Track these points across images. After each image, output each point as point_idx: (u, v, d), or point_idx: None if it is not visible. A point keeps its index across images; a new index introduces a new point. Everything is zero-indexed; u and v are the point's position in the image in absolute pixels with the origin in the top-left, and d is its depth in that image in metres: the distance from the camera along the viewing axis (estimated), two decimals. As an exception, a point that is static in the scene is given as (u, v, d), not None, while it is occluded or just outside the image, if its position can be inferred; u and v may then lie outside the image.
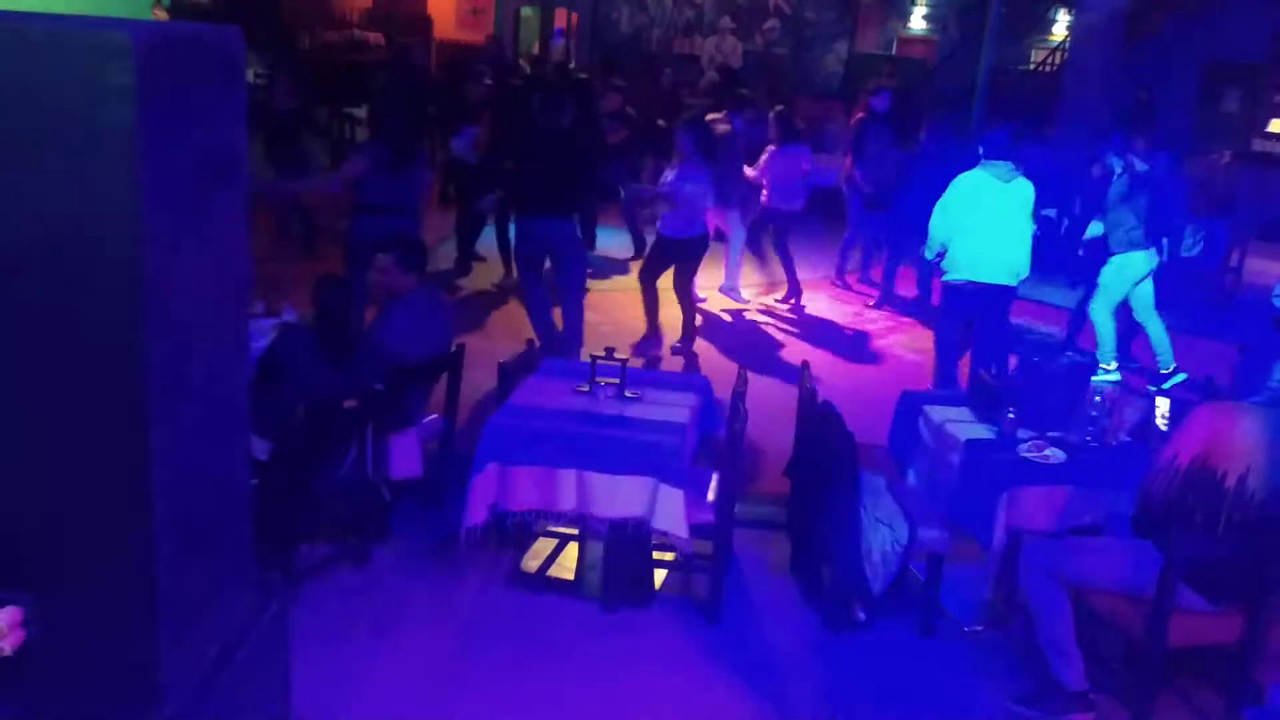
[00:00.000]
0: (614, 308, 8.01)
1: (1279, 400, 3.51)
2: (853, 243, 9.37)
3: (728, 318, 8.22)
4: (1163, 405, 4.36)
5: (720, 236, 8.30)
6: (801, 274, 8.83)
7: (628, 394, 4.31)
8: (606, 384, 4.33)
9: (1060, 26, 18.20)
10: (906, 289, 8.98)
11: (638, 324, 7.25)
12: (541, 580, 4.35)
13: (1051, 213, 10.20)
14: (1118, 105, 13.12)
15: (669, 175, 6.91)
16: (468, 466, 4.07)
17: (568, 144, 6.40)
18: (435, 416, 4.88)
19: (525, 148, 6.61)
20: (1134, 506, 3.56)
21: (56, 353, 1.88)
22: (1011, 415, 4.26)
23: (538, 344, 5.46)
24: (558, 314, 6.65)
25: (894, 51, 19.00)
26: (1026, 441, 4.20)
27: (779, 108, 8.88)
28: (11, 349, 1.88)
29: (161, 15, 11.75)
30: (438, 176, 10.03)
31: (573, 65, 16.64)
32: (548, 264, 6.61)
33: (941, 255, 6.02)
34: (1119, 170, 7.25)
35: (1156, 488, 3.47)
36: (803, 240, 9.20)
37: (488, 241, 8.67)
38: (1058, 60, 16.20)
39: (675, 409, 4.26)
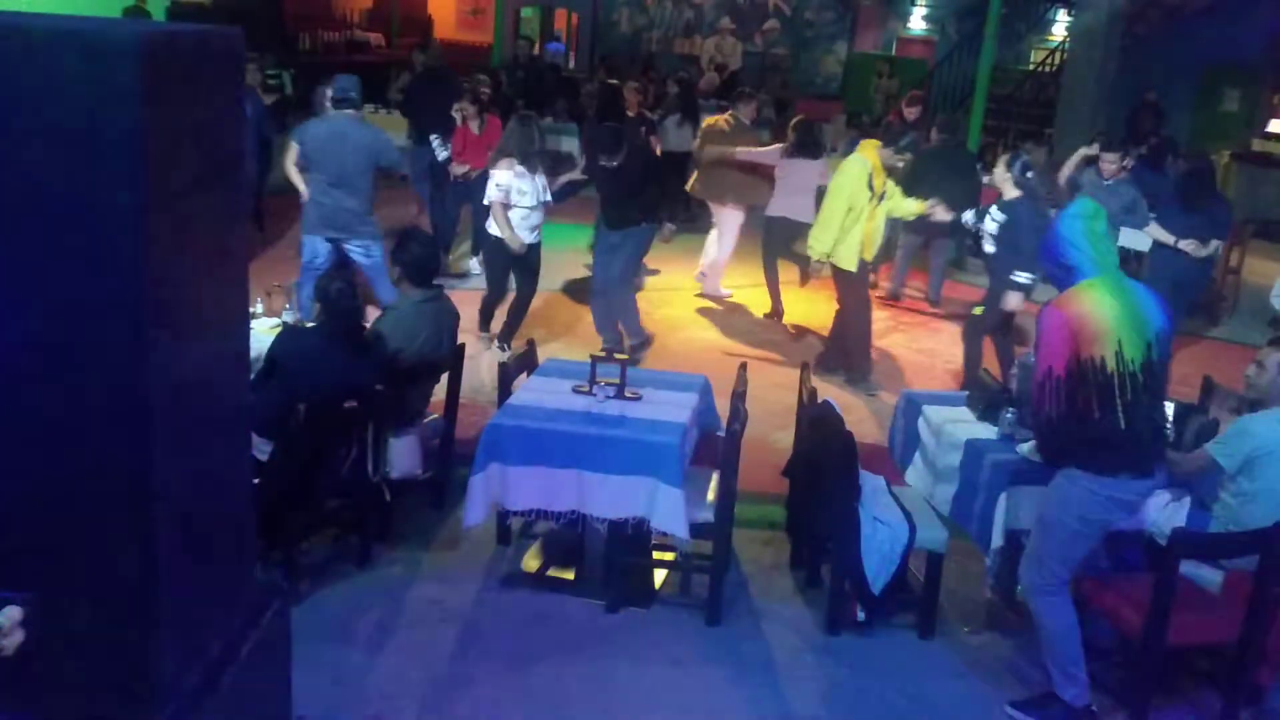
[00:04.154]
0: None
1: (1111, 269, 3.44)
2: None
3: (728, 318, 8.21)
4: (1169, 409, 4.36)
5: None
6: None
7: (628, 394, 4.31)
8: (606, 384, 4.33)
9: (1060, 27, 18.22)
10: (912, 289, 9.00)
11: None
12: (541, 580, 4.36)
13: (1053, 212, 10.23)
14: (1116, 106, 13.13)
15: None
16: (468, 466, 4.07)
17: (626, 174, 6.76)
18: (435, 416, 4.88)
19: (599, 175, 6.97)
20: (1038, 438, 3.49)
21: (57, 352, 1.88)
22: (1011, 415, 4.26)
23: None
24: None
25: (893, 52, 19.02)
26: (1026, 442, 4.20)
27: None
28: (12, 349, 1.88)
29: None
30: None
31: (571, 66, 16.67)
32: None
33: None
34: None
35: (1049, 407, 3.35)
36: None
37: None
38: (1057, 61, 16.21)
39: (675, 409, 4.26)
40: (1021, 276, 5.92)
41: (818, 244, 6.48)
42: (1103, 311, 3.30)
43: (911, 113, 10.06)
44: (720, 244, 8.44)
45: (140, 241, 1.83)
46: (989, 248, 6.14)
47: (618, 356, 4.42)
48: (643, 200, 6.79)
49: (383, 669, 3.68)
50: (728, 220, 8.32)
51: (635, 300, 7.15)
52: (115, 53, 1.76)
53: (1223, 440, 3.90)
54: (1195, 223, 6.98)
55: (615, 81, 11.39)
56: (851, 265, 6.43)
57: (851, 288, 6.64)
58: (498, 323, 6.90)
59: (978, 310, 6.31)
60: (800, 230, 7.40)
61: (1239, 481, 3.84)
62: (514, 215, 6.51)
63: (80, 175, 1.81)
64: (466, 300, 7.42)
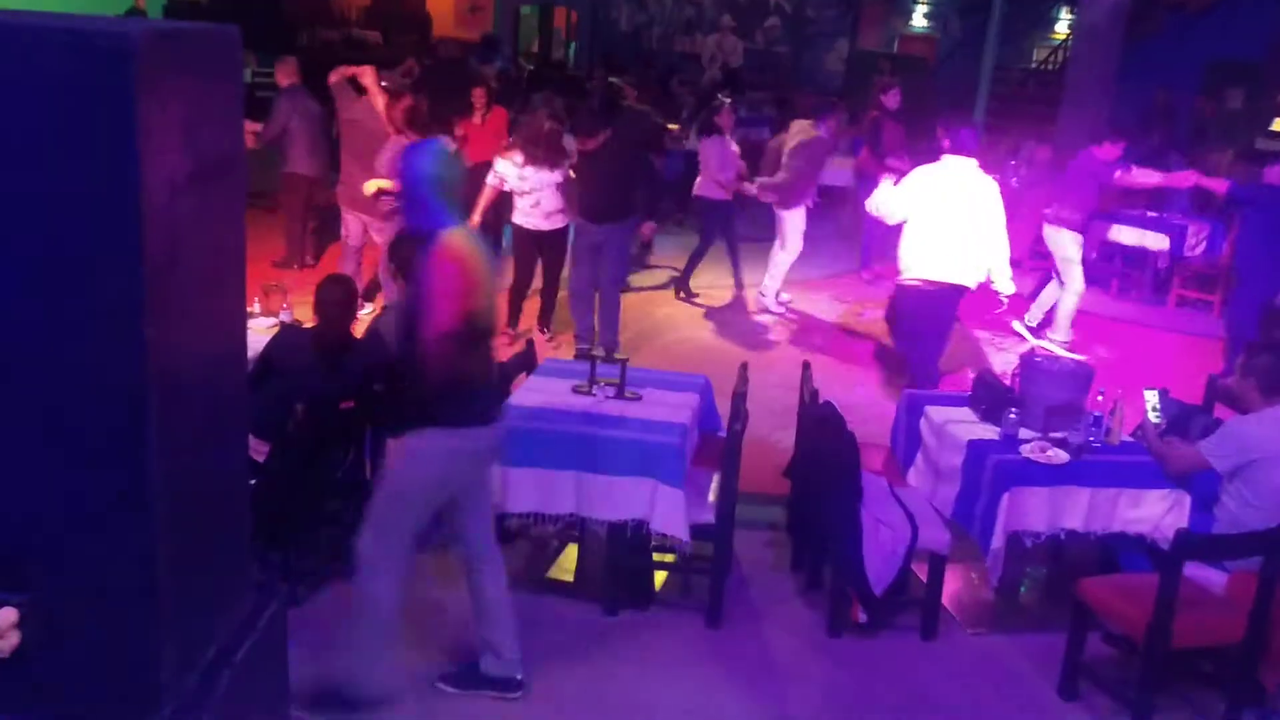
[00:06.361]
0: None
1: None
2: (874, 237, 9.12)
3: (729, 317, 8.19)
4: (1151, 398, 4.36)
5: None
6: (804, 272, 8.81)
7: (628, 394, 4.30)
8: (606, 384, 4.32)
9: (1062, 25, 18.21)
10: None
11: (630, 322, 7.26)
12: (541, 581, 4.34)
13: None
14: (1120, 104, 13.09)
15: None
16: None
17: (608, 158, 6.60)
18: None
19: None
20: (402, 403, 3.35)
21: (56, 352, 1.87)
22: (1014, 416, 4.25)
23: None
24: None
25: (895, 50, 19.01)
26: (1029, 442, 4.19)
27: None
28: (11, 349, 1.87)
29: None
30: None
31: (571, 65, 16.66)
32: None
33: None
34: None
35: (450, 363, 3.15)
36: (807, 238, 9.14)
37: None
38: (1059, 59, 16.19)
39: (675, 409, 4.24)
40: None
41: (1010, 285, 6.00)
42: (478, 259, 3.22)
43: (891, 99, 9.53)
44: (788, 248, 8.27)
45: (139, 240, 1.81)
46: None
47: (617, 356, 4.41)
48: (624, 193, 6.62)
49: (382, 670, 3.66)
50: (796, 221, 8.25)
51: (619, 302, 6.96)
52: (111, 51, 1.74)
53: (1213, 441, 3.90)
54: None
55: (615, 80, 11.33)
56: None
57: (955, 307, 6.09)
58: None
59: None
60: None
61: (1236, 485, 3.84)
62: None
63: (76, 174, 1.79)
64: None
